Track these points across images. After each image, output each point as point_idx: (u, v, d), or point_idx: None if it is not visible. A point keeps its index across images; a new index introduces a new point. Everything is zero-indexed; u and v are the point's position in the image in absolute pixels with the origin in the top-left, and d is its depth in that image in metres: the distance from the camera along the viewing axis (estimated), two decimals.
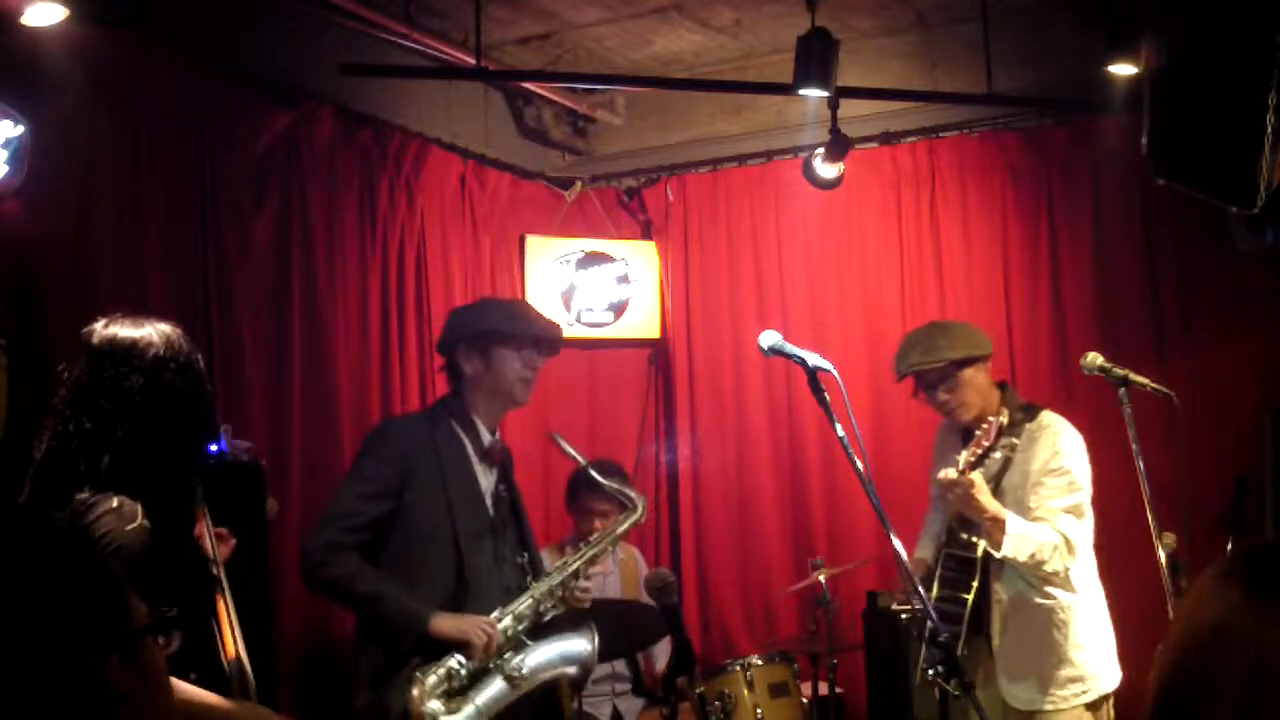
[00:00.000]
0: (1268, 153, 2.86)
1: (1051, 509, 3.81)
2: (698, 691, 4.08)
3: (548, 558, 5.11)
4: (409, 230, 5.67)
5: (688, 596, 6.22)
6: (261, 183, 4.99)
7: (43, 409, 2.82)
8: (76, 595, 1.32)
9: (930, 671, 2.68)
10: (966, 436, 3.92)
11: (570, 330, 6.44)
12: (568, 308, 6.43)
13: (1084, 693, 3.85)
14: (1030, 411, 3.98)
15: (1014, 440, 3.85)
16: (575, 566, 3.70)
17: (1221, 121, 2.95)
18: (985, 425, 3.74)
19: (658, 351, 6.66)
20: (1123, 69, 4.77)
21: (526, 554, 3.76)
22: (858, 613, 5.13)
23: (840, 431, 2.88)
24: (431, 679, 3.39)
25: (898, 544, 2.86)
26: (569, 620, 3.66)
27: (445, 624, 3.45)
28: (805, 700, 4.85)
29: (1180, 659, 1.19)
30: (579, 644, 3.59)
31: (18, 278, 4.08)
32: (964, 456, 3.72)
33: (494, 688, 3.45)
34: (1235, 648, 1.14)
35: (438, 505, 3.56)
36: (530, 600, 3.57)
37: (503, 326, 3.73)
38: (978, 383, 3.94)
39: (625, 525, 3.84)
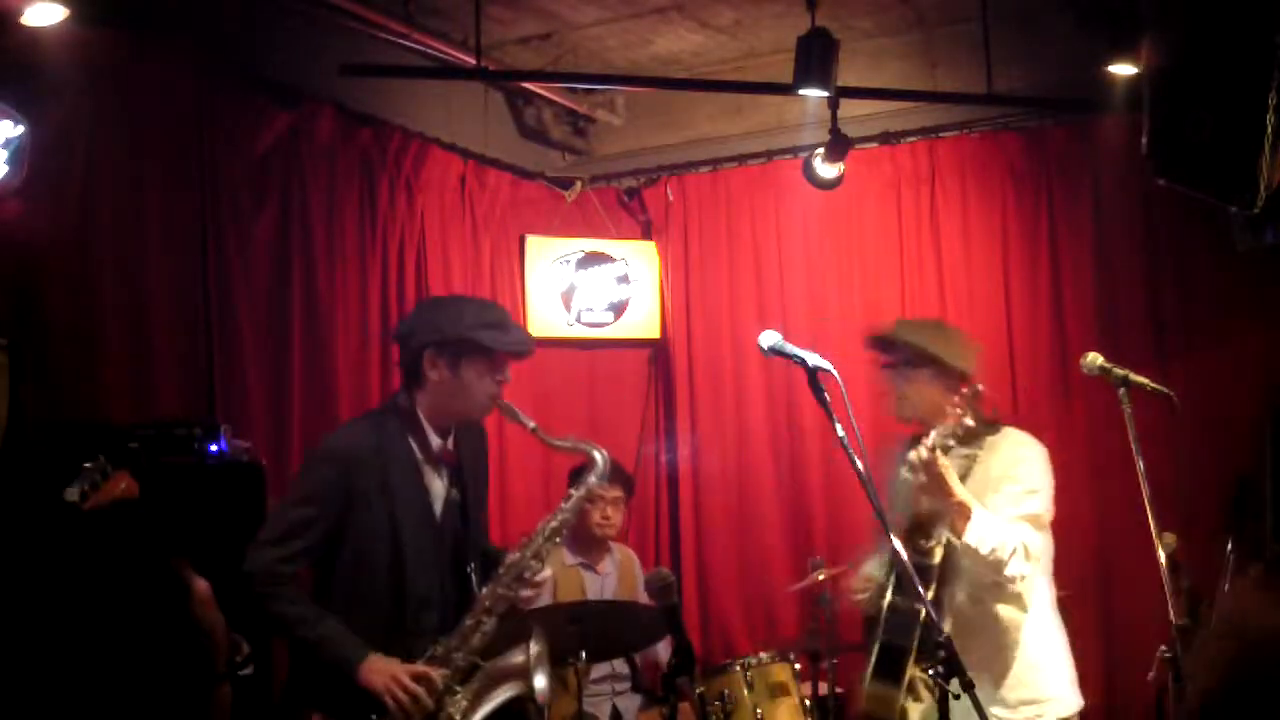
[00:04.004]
0: (1268, 153, 2.86)
1: (1009, 514, 3.64)
2: (698, 691, 4.08)
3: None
4: (409, 230, 5.67)
5: (688, 596, 6.22)
6: (261, 183, 5.00)
7: (43, 409, 2.81)
8: (182, 636, 1.29)
9: (930, 671, 2.67)
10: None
11: (570, 330, 6.45)
12: (568, 308, 6.43)
13: (1038, 716, 3.68)
14: (994, 426, 3.81)
15: (976, 451, 3.72)
16: (520, 561, 3.45)
17: (1221, 121, 2.95)
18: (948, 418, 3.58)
19: (658, 351, 6.66)
20: (1123, 69, 4.78)
21: (473, 564, 3.51)
22: (857, 612, 5.12)
23: (840, 431, 2.88)
24: None
25: (898, 544, 2.87)
26: (507, 634, 3.44)
27: (371, 677, 3.26)
28: (805, 700, 4.84)
29: (1233, 668, 1.21)
30: (514, 659, 3.41)
31: (18, 278, 4.09)
32: (934, 437, 3.56)
33: None
34: None
35: (381, 524, 3.36)
36: (469, 622, 3.37)
37: (481, 338, 3.38)
38: (926, 390, 3.78)
39: (583, 490, 3.60)
